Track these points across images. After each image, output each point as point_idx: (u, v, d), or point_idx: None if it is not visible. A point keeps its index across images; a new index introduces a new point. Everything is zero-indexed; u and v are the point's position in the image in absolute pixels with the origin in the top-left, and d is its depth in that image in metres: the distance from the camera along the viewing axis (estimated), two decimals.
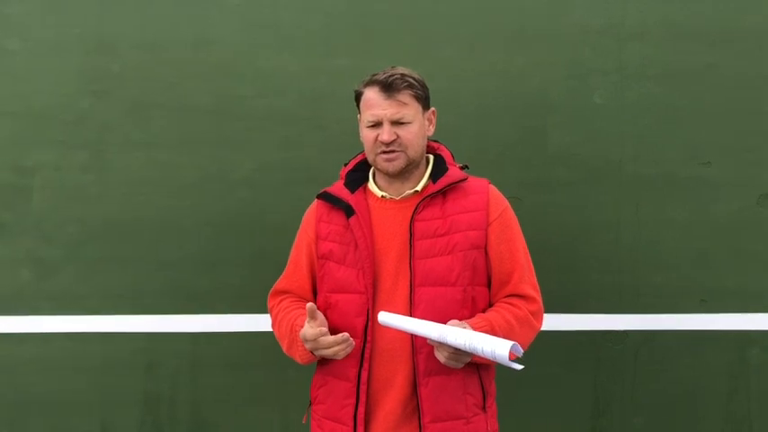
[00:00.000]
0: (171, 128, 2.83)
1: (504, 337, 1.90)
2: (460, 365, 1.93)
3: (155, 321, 2.84)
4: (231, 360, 2.84)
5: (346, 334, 1.94)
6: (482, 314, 2.02)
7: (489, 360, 1.82)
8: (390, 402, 2.01)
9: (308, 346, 1.97)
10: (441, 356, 1.90)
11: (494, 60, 2.84)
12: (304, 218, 2.21)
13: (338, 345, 1.93)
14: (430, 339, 1.89)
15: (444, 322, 1.95)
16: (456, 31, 2.84)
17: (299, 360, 2.07)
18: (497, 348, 1.76)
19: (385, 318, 1.93)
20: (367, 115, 2.05)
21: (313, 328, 1.93)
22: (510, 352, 1.75)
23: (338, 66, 2.82)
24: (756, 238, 2.82)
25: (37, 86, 2.82)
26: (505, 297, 2.08)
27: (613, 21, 2.84)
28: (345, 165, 2.22)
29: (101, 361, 2.84)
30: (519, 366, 1.80)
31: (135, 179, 2.83)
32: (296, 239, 2.22)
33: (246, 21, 2.84)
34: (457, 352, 1.88)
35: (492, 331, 1.92)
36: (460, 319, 1.97)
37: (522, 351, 1.80)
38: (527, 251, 2.14)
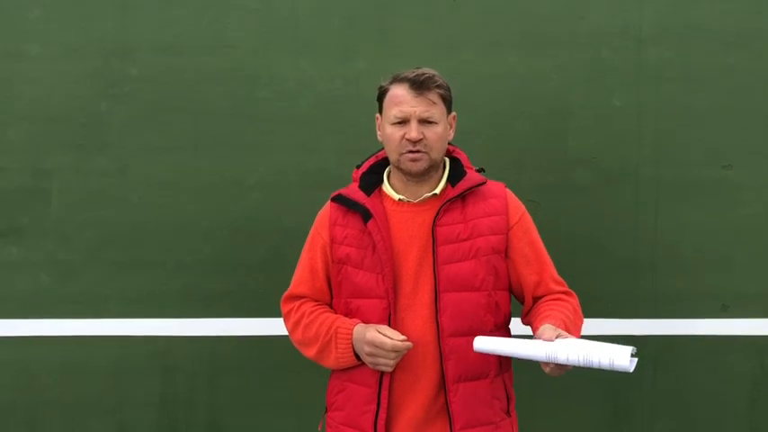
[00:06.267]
0: (188, 131, 2.84)
1: (567, 330, 1.90)
2: (563, 373, 1.86)
3: (172, 324, 2.85)
4: (248, 363, 2.85)
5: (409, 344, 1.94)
6: (550, 315, 1.98)
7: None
8: (413, 408, 2.00)
9: (370, 349, 1.93)
10: (546, 369, 1.84)
11: (512, 63, 2.82)
12: (316, 221, 2.18)
13: (398, 353, 1.93)
14: (536, 360, 1.82)
15: (471, 327, 1.98)
16: (474, 34, 2.83)
17: (332, 362, 2.05)
18: (616, 358, 1.72)
19: (481, 344, 1.89)
20: (394, 111, 2.00)
21: (396, 335, 1.93)
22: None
23: (355, 69, 2.82)
24: None
25: (56, 90, 2.84)
26: (546, 295, 2.09)
27: (632, 23, 2.81)
28: (358, 167, 2.19)
29: (118, 364, 2.85)
30: (633, 367, 1.73)
31: (153, 182, 2.84)
32: (308, 243, 2.18)
33: (264, 24, 2.84)
34: (560, 365, 1.82)
35: (568, 331, 1.91)
36: (485, 324, 2.01)
37: (636, 350, 1.76)
38: (545, 248, 2.15)
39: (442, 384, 1.99)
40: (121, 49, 2.84)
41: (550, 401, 2.79)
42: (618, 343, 2.75)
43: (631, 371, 1.72)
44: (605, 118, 2.81)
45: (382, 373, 1.98)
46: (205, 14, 2.85)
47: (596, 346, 1.77)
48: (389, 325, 1.98)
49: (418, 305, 2.00)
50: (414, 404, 1.99)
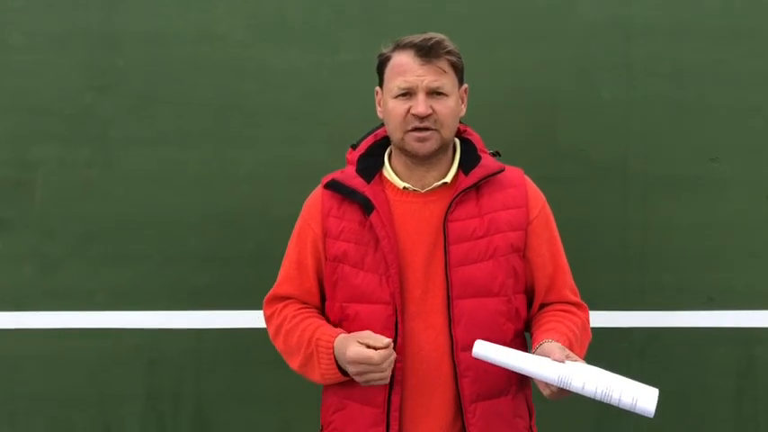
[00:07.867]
0: (175, 123, 2.81)
1: (571, 348, 1.69)
2: (561, 399, 1.65)
3: (158, 318, 2.82)
4: (235, 357, 2.83)
5: (393, 354, 1.66)
6: (554, 329, 1.75)
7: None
8: (427, 431, 1.76)
9: (356, 369, 1.66)
10: (545, 392, 1.65)
11: (501, 57, 2.81)
12: (305, 210, 1.92)
13: (390, 361, 1.66)
14: (546, 381, 1.61)
15: (488, 339, 1.70)
16: (463, 28, 2.81)
17: (319, 379, 1.80)
18: (641, 399, 1.51)
19: (482, 350, 1.64)
20: (398, 82, 1.73)
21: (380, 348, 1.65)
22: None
23: (344, 61, 2.80)
24: (765, 237, 2.80)
25: (40, 81, 2.79)
26: (555, 303, 1.88)
27: (621, 16, 2.81)
28: (354, 147, 1.92)
29: (104, 357, 2.82)
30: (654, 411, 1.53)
31: (139, 175, 2.81)
32: (295, 235, 1.92)
33: (252, 16, 2.81)
34: (563, 390, 1.60)
35: (572, 349, 1.70)
36: (505, 334, 1.78)
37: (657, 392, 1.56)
38: (563, 249, 1.92)
39: (460, 404, 1.75)
40: (107, 40, 2.81)
41: (535, 392, 2.79)
42: (607, 337, 2.80)
43: (652, 416, 1.53)
44: (594, 112, 2.81)
45: (390, 391, 1.73)
46: (192, 5, 2.81)
47: (617, 380, 1.56)
48: (396, 334, 1.73)
49: (429, 312, 1.75)
50: (428, 427, 1.75)
